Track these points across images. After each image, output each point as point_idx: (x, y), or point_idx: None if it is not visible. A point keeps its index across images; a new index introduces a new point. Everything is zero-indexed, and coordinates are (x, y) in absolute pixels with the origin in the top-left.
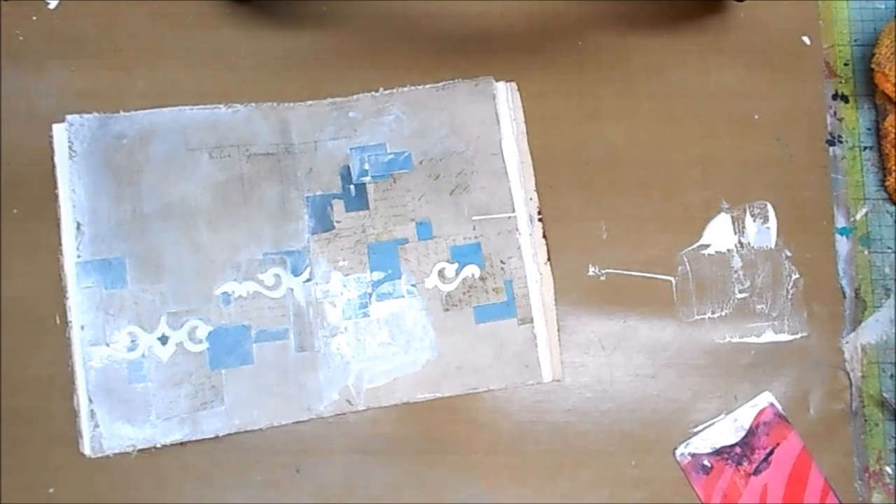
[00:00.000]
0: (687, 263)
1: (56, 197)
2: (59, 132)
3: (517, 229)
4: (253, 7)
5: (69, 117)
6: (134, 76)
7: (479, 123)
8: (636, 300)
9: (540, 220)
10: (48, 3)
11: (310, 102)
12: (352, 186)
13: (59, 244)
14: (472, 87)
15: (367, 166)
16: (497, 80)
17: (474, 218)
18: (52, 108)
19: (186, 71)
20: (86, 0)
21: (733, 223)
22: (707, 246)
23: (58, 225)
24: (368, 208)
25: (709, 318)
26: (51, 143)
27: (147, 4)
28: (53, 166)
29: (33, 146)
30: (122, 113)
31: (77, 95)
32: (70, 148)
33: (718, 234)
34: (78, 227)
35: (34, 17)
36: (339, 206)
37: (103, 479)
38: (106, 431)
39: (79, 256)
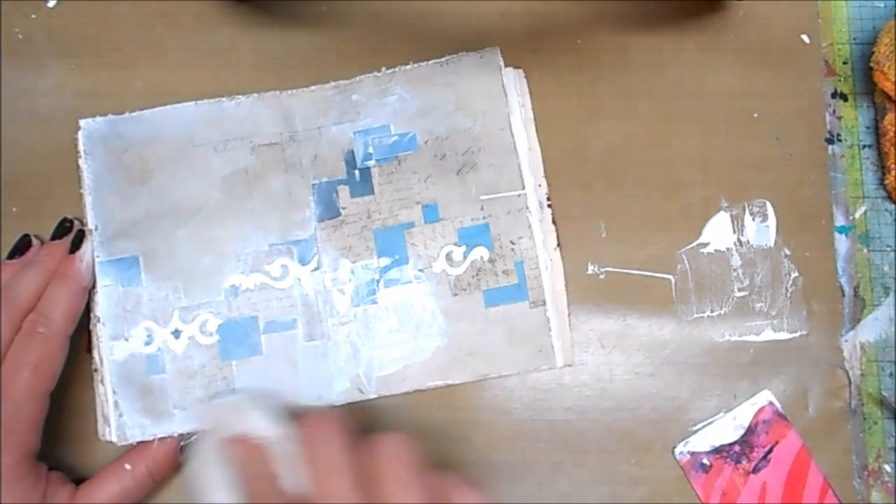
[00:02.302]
0: (686, 262)
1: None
2: (82, 136)
3: (527, 207)
4: (253, 6)
5: (83, 122)
6: (133, 75)
7: (486, 97)
8: (635, 299)
9: (549, 205)
10: (47, 2)
11: (313, 88)
12: (356, 171)
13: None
14: (477, 59)
15: (371, 150)
16: (506, 66)
17: (482, 197)
18: (51, 106)
19: (186, 70)
20: None
21: (732, 222)
22: (706, 244)
23: (83, 226)
24: (374, 193)
25: (708, 316)
26: (75, 145)
27: (147, 4)
28: (78, 169)
29: (32, 145)
30: (128, 114)
31: (76, 94)
32: (84, 152)
33: (717, 233)
34: (95, 228)
35: (33, 16)
36: (344, 192)
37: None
38: (129, 421)
39: (97, 256)
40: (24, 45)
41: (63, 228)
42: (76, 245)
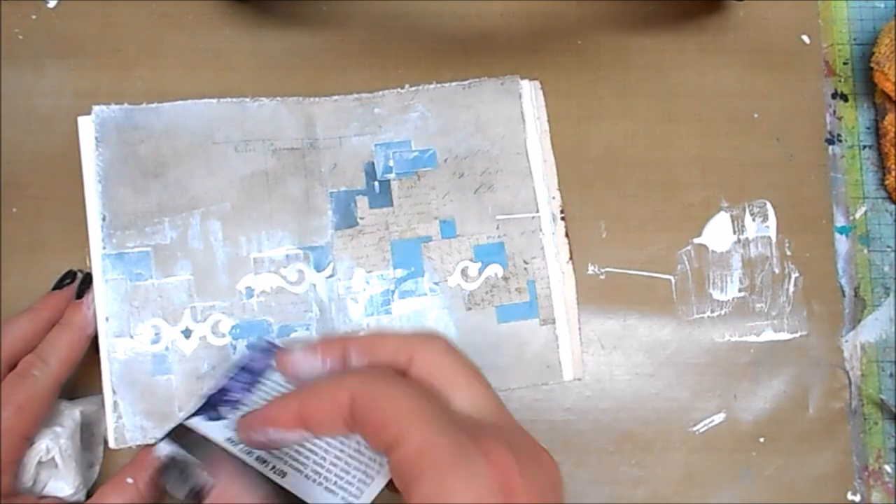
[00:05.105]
0: (686, 262)
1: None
2: (86, 124)
3: (540, 229)
4: (253, 7)
5: (96, 108)
6: (133, 76)
7: (505, 122)
8: (635, 299)
9: (563, 218)
10: (47, 3)
11: (335, 98)
12: (376, 183)
13: (87, 235)
14: (497, 85)
15: (391, 163)
16: (522, 79)
17: (498, 217)
18: (51, 107)
19: (186, 71)
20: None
21: (733, 222)
22: (706, 245)
23: (84, 216)
24: (392, 205)
25: (708, 316)
26: (77, 132)
27: (147, 4)
28: (79, 158)
29: (32, 145)
30: (147, 104)
31: (76, 94)
32: (96, 139)
33: (718, 233)
34: (104, 219)
35: (34, 17)
36: (362, 202)
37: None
38: (129, 423)
39: (104, 248)
40: (24, 45)
41: (66, 278)
42: (83, 291)
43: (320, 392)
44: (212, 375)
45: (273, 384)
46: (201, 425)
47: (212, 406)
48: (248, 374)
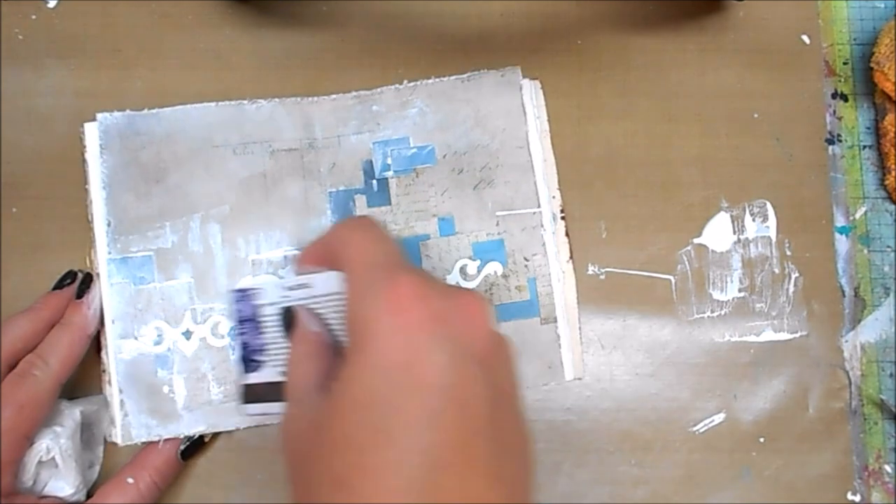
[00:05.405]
0: (686, 262)
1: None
2: (91, 130)
3: (542, 225)
4: (253, 7)
5: (100, 115)
6: (133, 76)
7: (505, 115)
8: (635, 299)
9: (563, 218)
10: (48, 3)
11: (334, 97)
12: (374, 181)
13: (93, 241)
14: (498, 77)
15: (389, 161)
16: (522, 77)
17: (498, 213)
18: (51, 107)
19: (186, 71)
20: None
21: (733, 222)
22: (706, 245)
23: (90, 222)
24: (390, 204)
25: (708, 316)
26: (82, 138)
27: (147, 4)
28: (81, 160)
29: (32, 145)
30: (148, 111)
31: (76, 94)
32: (100, 146)
33: (718, 233)
34: (108, 225)
35: (33, 17)
36: (361, 201)
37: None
38: (134, 421)
39: (109, 253)
40: (24, 45)
41: (67, 278)
42: (83, 291)
43: (321, 241)
44: (213, 376)
45: (269, 317)
46: (257, 377)
47: (248, 361)
48: (248, 322)
